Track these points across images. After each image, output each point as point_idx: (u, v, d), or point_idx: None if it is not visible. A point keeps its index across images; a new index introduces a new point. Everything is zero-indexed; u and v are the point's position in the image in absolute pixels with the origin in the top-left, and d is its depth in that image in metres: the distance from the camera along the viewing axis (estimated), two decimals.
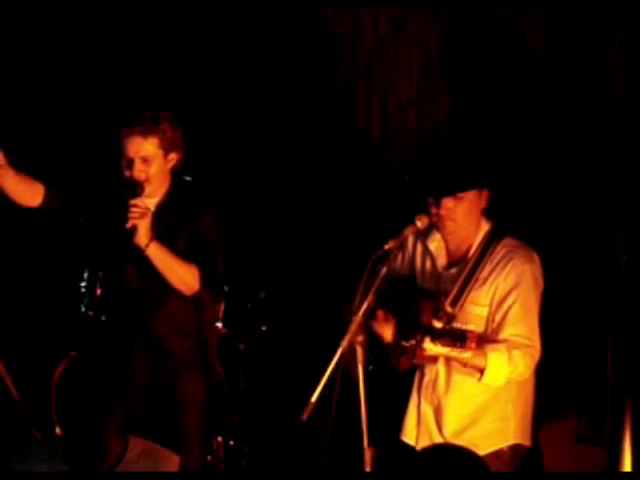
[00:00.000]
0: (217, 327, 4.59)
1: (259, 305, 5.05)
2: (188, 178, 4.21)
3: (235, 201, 5.27)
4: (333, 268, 5.19)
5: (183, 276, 4.00)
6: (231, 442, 4.75)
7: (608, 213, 4.31)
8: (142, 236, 3.95)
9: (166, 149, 4.04)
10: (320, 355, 3.50)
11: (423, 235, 3.87)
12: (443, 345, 3.47)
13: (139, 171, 4.00)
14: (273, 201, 5.44)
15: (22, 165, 4.04)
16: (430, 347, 3.50)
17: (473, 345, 3.45)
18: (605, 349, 4.15)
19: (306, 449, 4.74)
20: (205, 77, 5.49)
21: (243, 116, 5.48)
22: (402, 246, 3.89)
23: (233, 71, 5.50)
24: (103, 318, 4.48)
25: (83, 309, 4.71)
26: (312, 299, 5.24)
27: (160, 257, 3.97)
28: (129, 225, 3.93)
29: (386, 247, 3.61)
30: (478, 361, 3.57)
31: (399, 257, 3.96)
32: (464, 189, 3.69)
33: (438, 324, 3.52)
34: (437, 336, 3.48)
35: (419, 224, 3.69)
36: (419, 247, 3.92)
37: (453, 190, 3.68)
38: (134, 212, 3.94)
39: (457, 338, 3.45)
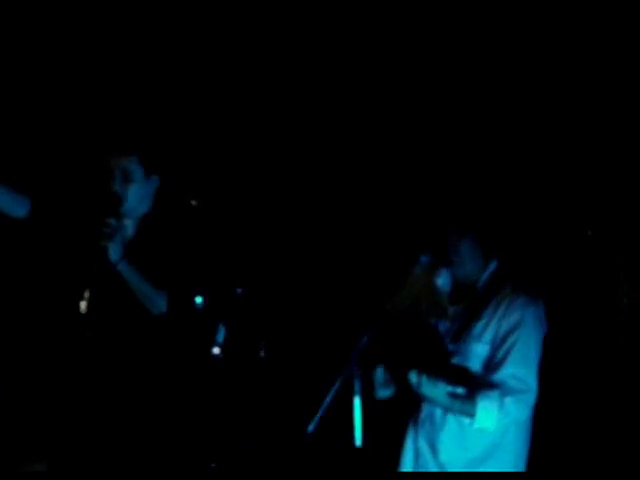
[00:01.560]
0: None
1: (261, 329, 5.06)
2: (194, 202, 4.23)
3: (248, 223, 5.31)
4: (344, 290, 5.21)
5: (151, 298, 4.01)
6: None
7: (612, 260, 4.33)
8: (112, 254, 3.97)
9: (147, 168, 4.06)
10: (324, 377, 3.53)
11: (429, 270, 3.89)
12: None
13: (118, 185, 4.04)
14: (287, 218, 5.46)
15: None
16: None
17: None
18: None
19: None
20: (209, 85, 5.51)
21: (251, 125, 5.50)
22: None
23: (238, 74, 5.52)
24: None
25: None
26: (320, 320, 5.26)
27: (130, 277, 3.99)
28: (101, 242, 3.96)
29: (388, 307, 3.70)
30: (468, 409, 3.61)
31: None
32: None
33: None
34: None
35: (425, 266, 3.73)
36: (425, 282, 3.93)
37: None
38: (105, 230, 3.96)
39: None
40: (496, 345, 3.69)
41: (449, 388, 3.63)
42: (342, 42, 5.45)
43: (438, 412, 3.78)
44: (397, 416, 3.91)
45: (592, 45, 4.95)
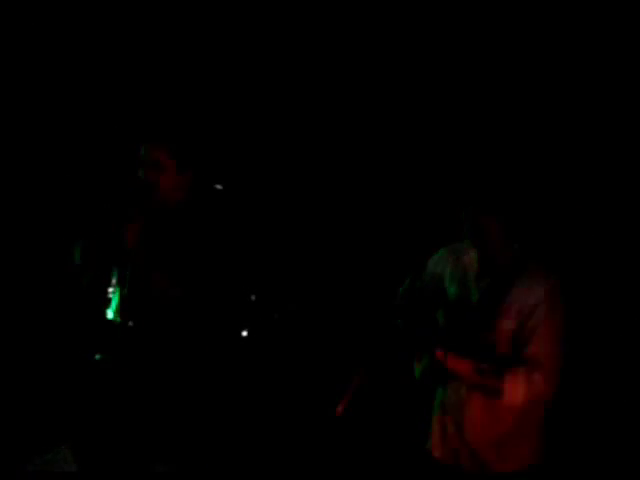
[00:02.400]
0: None
1: (287, 316, 5.07)
2: (219, 187, 4.22)
3: (268, 209, 5.32)
4: (364, 277, 5.21)
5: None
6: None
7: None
8: (129, 241, 3.97)
9: (181, 161, 4.05)
10: (344, 366, 3.52)
11: (456, 248, 3.93)
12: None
13: (148, 176, 4.02)
14: (304, 212, 5.47)
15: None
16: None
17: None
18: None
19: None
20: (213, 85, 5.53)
21: (258, 126, 5.52)
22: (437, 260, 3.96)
23: (246, 80, 5.54)
24: (130, 324, 4.49)
25: (111, 315, 4.71)
26: (339, 309, 5.26)
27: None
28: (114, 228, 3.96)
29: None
30: (495, 384, 3.62)
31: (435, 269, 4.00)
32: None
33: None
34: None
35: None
36: (451, 259, 3.96)
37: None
38: (125, 217, 3.95)
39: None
40: (521, 321, 3.70)
41: (475, 363, 3.65)
42: (344, 42, 5.49)
43: (465, 398, 3.79)
44: (423, 397, 3.92)
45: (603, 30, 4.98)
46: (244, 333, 4.56)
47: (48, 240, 5.28)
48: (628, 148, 5.00)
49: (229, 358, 4.16)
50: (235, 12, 5.45)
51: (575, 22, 5.06)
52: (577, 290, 3.86)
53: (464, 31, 5.25)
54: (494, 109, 5.21)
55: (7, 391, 4.94)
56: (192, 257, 4.03)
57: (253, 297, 4.65)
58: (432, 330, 3.78)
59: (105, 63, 5.43)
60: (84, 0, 5.41)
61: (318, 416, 4.73)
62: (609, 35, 5.01)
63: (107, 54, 5.43)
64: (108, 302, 4.32)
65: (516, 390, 3.61)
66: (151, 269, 4.05)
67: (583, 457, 4.63)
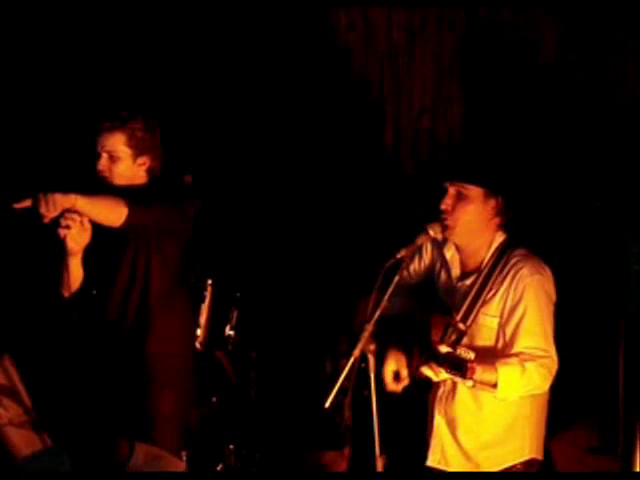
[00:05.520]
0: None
1: (273, 312, 5.05)
2: (188, 179, 4.20)
3: (249, 207, 5.30)
4: (347, 274, 5.19)
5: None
6: (244, 450, 4.74)
7: (622, 226, 4.31)
8: (69, 245, 3.92)
9: (136, 150, 4.02)
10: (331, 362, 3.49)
11: (440, 244, 3.88)
12: (445, 372, 3.50)
13: (103, 166, 4.01)
14: (288, 208, 5.44)
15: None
16: (431, 374, 3.54)
17: (473, 376, 3.48)
18: (617, 360, 4.14)
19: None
20: (214, 84, 5.49)
21: (255, 124, 5.48)
22: (416, 254, 3.91)
23: (246, 79, 5.50)
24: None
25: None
26: (325, 306, 5.24)
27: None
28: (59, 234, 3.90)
29: (398, 255, 3.62)
30: (489, 377, 3.56)
31: (413, 265, 3.96)
32: (467, 180, 3.69)
33: (443, 349, 3.51)
34: (440, 362, 3.49)
35: (431, 232, 3.70)
36: (437, 256, 3.93)
37: (456, 177, 3.69)
38: (64, 221, 3.88)
39: (457, 367, 3.48)
40: (505, 318, 3.68)
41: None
42: (344, 42, 5.48)
43: (457, 390, 3.76)
44: (418, 393, 3.89)
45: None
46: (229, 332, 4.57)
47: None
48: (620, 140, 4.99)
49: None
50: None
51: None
52: (563, 283, 3.83)
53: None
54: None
55: None
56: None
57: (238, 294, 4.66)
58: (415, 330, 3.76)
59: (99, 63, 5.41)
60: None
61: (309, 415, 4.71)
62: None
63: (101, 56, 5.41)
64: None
65: (511, 384, 3.57)
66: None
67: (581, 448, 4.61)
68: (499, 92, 5.22)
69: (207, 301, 4.66)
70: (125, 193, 3.91)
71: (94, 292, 4.06)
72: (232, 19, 5.46)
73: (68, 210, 3.81)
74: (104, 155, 4.02)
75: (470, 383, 3.51)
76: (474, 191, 3.70)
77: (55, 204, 3.74)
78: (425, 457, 3.84)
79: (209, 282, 4.68)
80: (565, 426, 4.41)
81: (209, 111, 5.44)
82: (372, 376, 3.47)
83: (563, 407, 4.03)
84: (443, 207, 3.71)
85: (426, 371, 3.54)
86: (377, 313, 3.47)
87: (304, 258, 5.37)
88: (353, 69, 5.50)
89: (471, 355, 3.50)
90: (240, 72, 5.47)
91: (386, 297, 3.50)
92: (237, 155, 5.44)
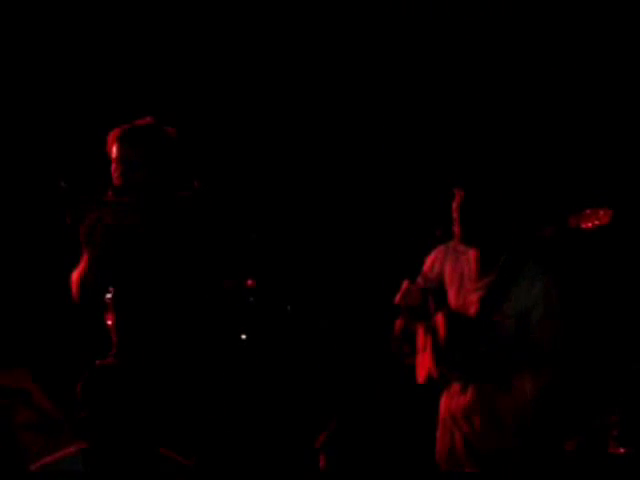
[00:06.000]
0: None
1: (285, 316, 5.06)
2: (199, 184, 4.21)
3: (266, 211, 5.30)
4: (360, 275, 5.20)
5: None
6: None
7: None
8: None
9: (147, 159, 3.97)
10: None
11: (455, 247, 3.89)
12: None
13: (114, 173, 3.97)
14: (300, 212, 5.46)
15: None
16: None
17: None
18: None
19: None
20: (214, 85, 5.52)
21: (269, 135, 5.51)
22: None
23: (247, 80, 5.52)
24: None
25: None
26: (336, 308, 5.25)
27: None
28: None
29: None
30: (504, 377, 3.58)
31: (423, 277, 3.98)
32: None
33: None
34: None
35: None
36: (450, 259, 3.93)
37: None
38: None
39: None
40: (522, 318, 3.67)
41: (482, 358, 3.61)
42: (344, 41, 5.48)
43: (469, 387, 3.74)
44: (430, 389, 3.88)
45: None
46: (243, 336, 4.56)
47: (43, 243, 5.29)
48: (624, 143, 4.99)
49: (228, 361, 4.14)
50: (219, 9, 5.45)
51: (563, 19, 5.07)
52: (576, 283, 3.83)
53: (460, 31, 5.25)
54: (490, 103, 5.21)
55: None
56: (180, 257, 4.00)
57: (251, 299, 4.65)
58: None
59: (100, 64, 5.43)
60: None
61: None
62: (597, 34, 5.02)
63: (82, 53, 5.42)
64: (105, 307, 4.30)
65: (525, 383, 3.59)
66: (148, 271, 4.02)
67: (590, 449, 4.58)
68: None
69: None
70: None
71: None
72: (233, 19, 5.48)
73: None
74: (115, 164, 4.01)
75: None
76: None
77: None
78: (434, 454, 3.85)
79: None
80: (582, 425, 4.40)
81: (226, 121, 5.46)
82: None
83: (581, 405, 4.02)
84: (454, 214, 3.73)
85: None
86: None
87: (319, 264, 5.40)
88: None
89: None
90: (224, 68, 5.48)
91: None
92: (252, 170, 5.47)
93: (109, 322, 4.19)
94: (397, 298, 3.85)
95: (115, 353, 3.99)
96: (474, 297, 3.77)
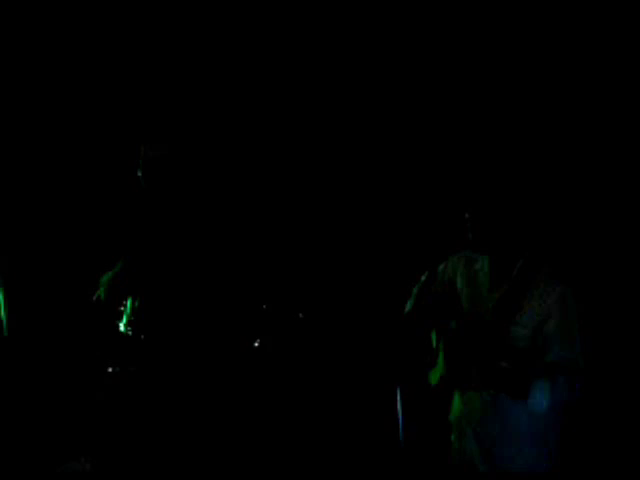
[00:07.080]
0: None
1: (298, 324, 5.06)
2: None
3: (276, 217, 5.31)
4: (374, 284, 5.21)
5: None
6: None
7: None
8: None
9: (183, 159, 4.05)
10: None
11: (468, 256, 3.90)
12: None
13: (142, 176, 4.03)
14: (315, 219, 5.47)
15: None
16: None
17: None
18: None
19: None
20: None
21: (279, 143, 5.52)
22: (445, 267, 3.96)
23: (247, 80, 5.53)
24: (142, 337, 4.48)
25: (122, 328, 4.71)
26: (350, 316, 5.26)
27: None
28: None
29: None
30: (520, 390, 3.57)
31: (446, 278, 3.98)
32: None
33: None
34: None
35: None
36: (463, 268, 3.94)
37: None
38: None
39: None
40: (538, 328, 3.68)
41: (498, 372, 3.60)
42: (343, 41, 5.47)
43: (485, 398, 3.75)
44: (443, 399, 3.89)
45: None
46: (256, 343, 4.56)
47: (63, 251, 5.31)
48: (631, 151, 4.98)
49: (240, 368, 4.15)
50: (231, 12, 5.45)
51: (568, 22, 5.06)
52: (590, 294, 3.83)
53: (464, 35, 5.24)
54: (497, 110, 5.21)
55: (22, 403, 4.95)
56: (198, 262, 4.02)
57: (264, 306, 4.66)
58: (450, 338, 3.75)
59: (103, 64, 5.43)
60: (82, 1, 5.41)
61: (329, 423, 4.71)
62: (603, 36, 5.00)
63: (105, 55, 5.43)
64: (120, 315, 4.33)
65: (540, 394, 3.57)
66: (162, 279, 4.03)
67: (599, 460, 4.58)
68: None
69: None
70: None
71: None
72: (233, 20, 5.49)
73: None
74: (143, 167, 4.05)
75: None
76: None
77: None
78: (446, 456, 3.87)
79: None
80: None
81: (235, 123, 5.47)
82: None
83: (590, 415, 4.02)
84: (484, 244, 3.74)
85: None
86: None
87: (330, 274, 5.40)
88: None
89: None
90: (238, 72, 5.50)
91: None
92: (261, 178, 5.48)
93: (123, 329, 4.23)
94: (409, 306, 3.87)
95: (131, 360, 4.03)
96: (488, 307, 3.78)
